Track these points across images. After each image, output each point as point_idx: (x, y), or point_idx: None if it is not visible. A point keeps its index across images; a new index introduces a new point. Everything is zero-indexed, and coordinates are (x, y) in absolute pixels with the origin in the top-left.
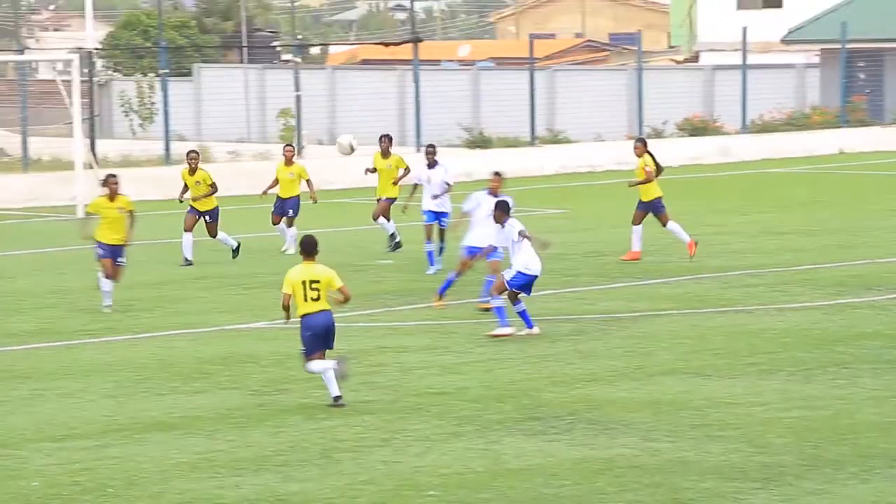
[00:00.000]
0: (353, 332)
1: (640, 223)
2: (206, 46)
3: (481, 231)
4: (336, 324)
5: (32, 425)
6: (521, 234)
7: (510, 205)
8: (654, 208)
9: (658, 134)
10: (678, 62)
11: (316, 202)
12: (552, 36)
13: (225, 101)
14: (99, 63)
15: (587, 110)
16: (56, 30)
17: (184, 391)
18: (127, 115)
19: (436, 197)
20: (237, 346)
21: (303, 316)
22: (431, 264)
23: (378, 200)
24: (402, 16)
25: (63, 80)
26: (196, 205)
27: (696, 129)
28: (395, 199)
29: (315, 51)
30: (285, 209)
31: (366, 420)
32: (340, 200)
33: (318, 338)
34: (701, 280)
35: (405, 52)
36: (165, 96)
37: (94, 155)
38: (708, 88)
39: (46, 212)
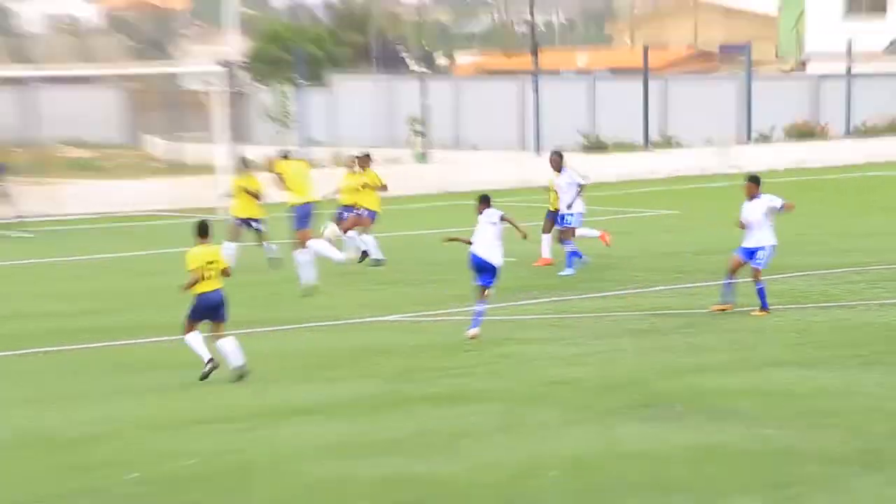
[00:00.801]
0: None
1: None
2: (341, 58)
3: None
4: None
5: (188, 409)
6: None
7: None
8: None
9: (765, 139)
10: (786, 71)
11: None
12: (665, 46)
13: (357, 108)
14: (241, 74)
15: (698, 117)
16: (203, 43)
17: (323, 378)
18: (266, 122)
19: (569, 206)
20: (372, 337)
21: (198, 294)
22: (569, 266)
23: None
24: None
25: (208, 90)
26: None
27: (802, 134)
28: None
29: (441, 61)
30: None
31: (490, 407)
32: (463, 203)
33: (205, 312)
34: (805, 277)
35: (526, 62)
36: (302, 105)
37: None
38: (814, 96)
39: (193, 213)
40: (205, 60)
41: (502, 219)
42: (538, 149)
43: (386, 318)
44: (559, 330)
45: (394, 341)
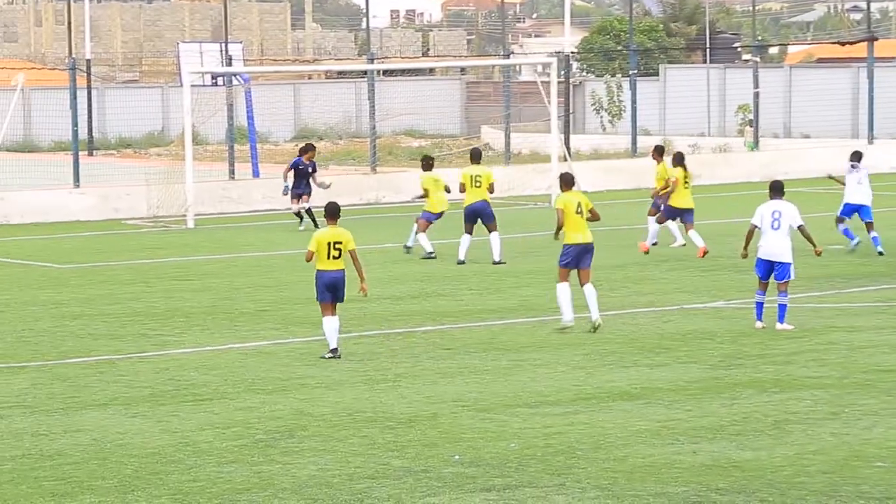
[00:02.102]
0: (803, 312)
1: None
2: (672, 48)
3: None
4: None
5: (511, 392)
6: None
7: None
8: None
9: None
10: None
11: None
12: None
13: (687, 98)
14: (574, 65)
15: None
16: (537, 36)
17: (645, 364)
18: (598, 113)
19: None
20: (696, 323)
21: (320, 271)
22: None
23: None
24: (857, 16)
25: (542, 82)
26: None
27: None
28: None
29: (773, 51)
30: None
31: (816, 394)
32: (798, 189)
33: (326, 289)
34: None
35: (860, 50)
36: (634, 95)
37: (568, 149)
38: None
39: (524, 200)
40: (539, 52)
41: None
42: (871, 138)
43: (710, 304)
44: (888, 318)
45: (717, 327)
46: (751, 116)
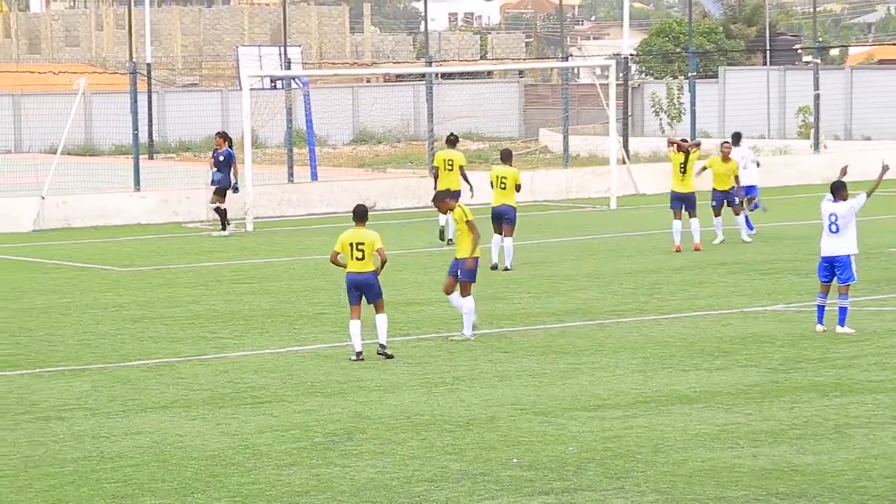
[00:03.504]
0: (864, 316)
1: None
2: (732, 50)
3: None
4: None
5: (569, 395)
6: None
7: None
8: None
9: None
10: None
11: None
12: None
13: (747, 100)
14: (633, 67)
15: None
16: (596, 38)
17: (705, 368)
18: (657, 115)
19: None
20: (755, 326)
21: (347, 273)
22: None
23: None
24: None
25: (601, 84)
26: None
27: None
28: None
29: (834, 52)
30: (728, 199)
31: (877, 398)
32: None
33: (354, 290)
34: None
35: None
36: (693, 97)
37: (626, 151)
38: None
39: (583, 203)
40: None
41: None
42: None
43: (770, 307)
44: None
45: (777, 331)
46: (812, 118)
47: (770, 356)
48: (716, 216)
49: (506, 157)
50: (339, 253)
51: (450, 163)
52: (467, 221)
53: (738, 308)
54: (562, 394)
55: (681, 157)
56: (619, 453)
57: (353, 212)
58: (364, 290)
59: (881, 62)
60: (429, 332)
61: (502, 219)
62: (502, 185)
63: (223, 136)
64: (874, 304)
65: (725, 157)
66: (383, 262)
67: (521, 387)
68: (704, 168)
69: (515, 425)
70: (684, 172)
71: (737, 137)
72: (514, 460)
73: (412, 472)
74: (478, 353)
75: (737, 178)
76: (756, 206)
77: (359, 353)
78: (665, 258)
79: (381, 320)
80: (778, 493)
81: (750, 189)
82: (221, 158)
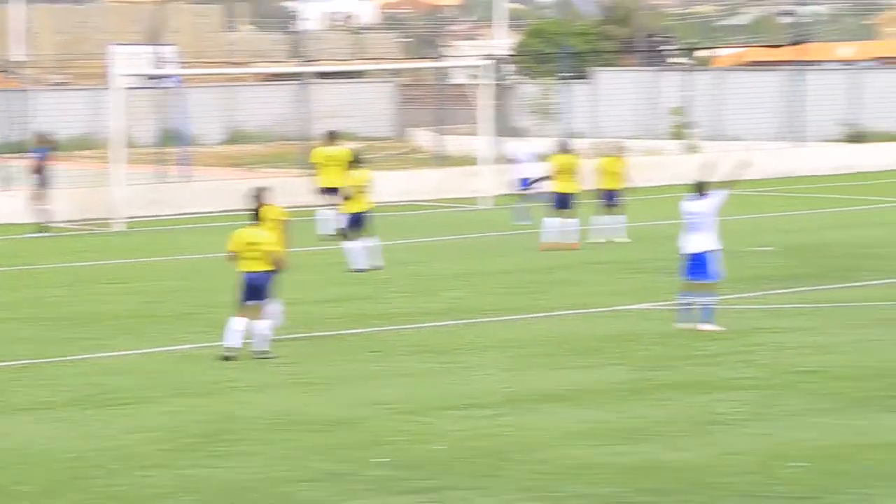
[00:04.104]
0: (729, 313)
1: None
2: (604, 52)
3: None
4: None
5: (439, 395)
6: None
7: None
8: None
9: None
10: None
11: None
12: None
13: (619, 101)
14: (507, 68)
15: None
16: (471, 39)
17: (574, 366)
18: (530, 115)
19: None
20: (623, 325)
21: (241, 272)
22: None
23: None
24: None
25: (474, 84)
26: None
27: None
28: None
29: (704, 54)
30: (612, 199)
31: (740, 395)
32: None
33: (247, 290)
34: None
35: (790, 53)
36: (566, 97)
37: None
38: None
39: (456, 202)
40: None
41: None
42: (801, 140)
43: (638, 305)
44: (811, 319)
45: (645, 329)
46: (682, 119)
47: (637, 354)
48: (599, 216)
49: (356, 161)
50: (233, 252)
51: (331, 159)
52: (283, 221)
53: (607, 307)
54: (432, 393)
55: (566, 157)
56: (487, 452)
57: (251, 211)
58: (257, 291)
59: (750, 63)
60: (300, 332)
61: (363, 221)
62: (362, 191)
63: (39, 136)
64: (739, 301)
65: (615, 156)
66: (279, 262)
67: (392, 386)
68: (596, 168)
69: (385, 425)
70: (569, 173)
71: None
72: (381, 459)
73: (280, 472)
74: (348, 353)
75: (620, 177)
76: (534, 199)
77: (230, 351)
78: (537, 257)
79: (264, 325)
80: (644, 489)
81: (526, 181)
82: (38, 158)
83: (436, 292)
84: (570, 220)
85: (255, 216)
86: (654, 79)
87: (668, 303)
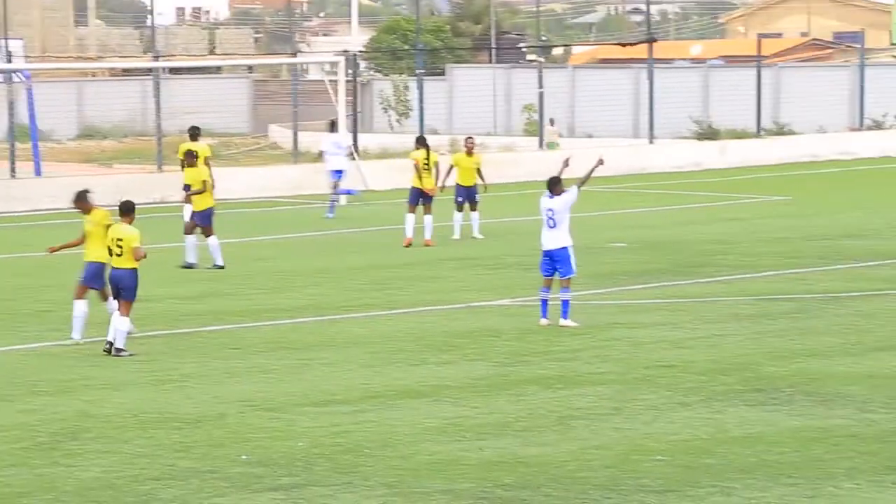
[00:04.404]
0: (587, 309)
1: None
2: (459, 48)
3: None
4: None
5: (299, 391)
6: None
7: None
8: None
9: (879, 126)
10: None
11: (486, 191)
12: (779, 35)
13: (474, 98)
14: (362, 64)
15: (811, 104)
16: (325, 35)
17: (433, 362)
18: (386, 112)
19: None
20: (482, 321)
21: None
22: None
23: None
24: (638, 18)
25: (330, 81)
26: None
27: None
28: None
29: (558, 51)
30: (469, 196)
31: (599, 390)
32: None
33: (112, 286)
34: None
35: (641, 51)
36: (421, 94)
37: (356, 147)
38: None
39: (312, 199)
40: (327, 51)
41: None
42: (651, 137)
43: (497, 301)
44: (668, 314)
45: (503, 325)
46: (537, 116)
47: (496, 350)
48: (458, 212)
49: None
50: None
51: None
52: (107, 226)
53: (466, 303)
54: (292, 389)
55: (423, 154)
56: (348, 448)
57: (119, 207)
58: (119, 287)
59: (602, 61)
60: (157, 329)
61: (207, 218)
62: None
63: None
64: (596, 297)
65: (469, 153)
66: (139, 260)
67: (251, 383)
68: (452, 167)
69: (245, 422)
70: (427, 170)
71: (332, 124)
72: (244, 457)
73: (139, 470)
74: (207, 349)
75: (479, 172)
76: (345, 192)
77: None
78: (395, 253)
79: (123, 322)
80: (503, 484)
81: (338, 173)
82: None
83: (295, 289)
84: (426, 217)
85: (126, 213)
86: (508, 76)
87: (527, 299)
